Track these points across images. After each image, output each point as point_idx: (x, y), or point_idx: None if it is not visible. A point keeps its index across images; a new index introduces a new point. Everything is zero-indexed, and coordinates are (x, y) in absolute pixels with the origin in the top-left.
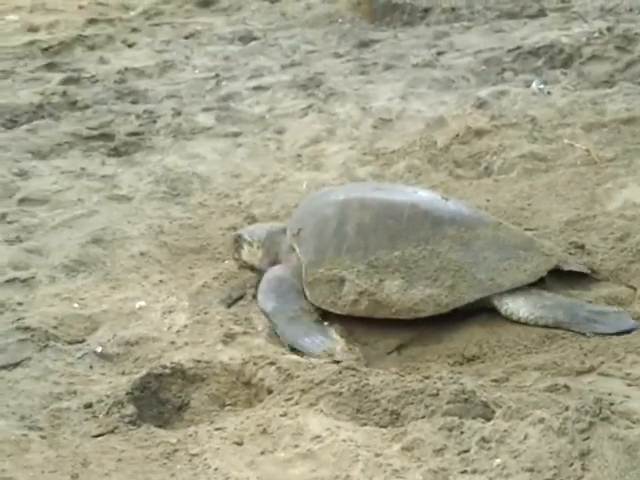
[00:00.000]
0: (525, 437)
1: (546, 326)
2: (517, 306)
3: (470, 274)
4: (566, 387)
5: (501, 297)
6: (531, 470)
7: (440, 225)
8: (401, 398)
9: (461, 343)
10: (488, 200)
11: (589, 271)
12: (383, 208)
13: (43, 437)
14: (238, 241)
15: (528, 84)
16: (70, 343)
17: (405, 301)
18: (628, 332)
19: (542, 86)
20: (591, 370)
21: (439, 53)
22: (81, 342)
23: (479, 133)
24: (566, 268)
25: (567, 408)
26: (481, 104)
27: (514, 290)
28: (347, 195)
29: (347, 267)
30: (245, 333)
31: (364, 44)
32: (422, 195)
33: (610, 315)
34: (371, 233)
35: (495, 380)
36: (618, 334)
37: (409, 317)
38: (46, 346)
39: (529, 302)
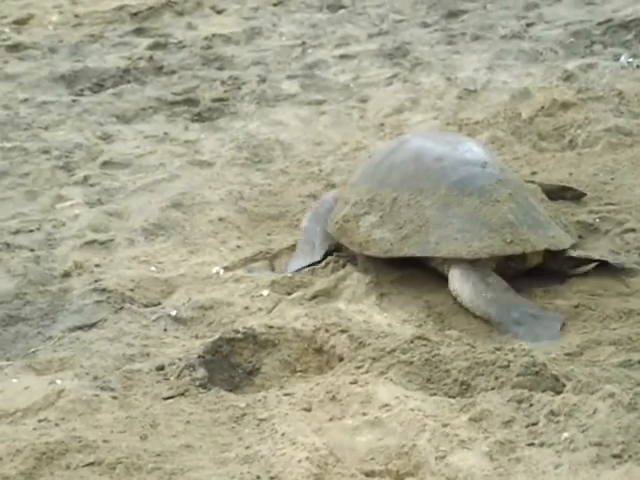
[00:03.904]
0: (594, 411)
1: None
2: (462, 290)
3: (425, 232)
4: None
5: (454, 273)
6: (599, 445)
7: (440, 183)
8: (471, 369)
9: None
10: (570, 174)
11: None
12: (417, 154)
13: (114, 398)
14: None
15: (617, 57)
16: (146, 306)
17: (362, 236)
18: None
19: (631, 59)
20: None
21: (528, 24)
22: (156, 305)
23: (565, 106)
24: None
25: (638, 384)
26: (568, 77)
27: (468, 271)
28: (411, 137)
29: (359, 194)
30: (319, 300)
31: (452, 14)
32: (461, 154)
33: (541, 321)
34: (394, 172)
35: (568, 354)
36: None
37: (357, 251)
38: (122, 308)
39: (474, 290)
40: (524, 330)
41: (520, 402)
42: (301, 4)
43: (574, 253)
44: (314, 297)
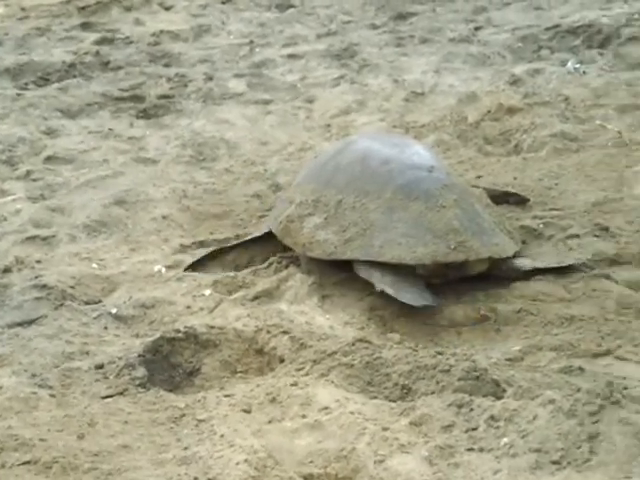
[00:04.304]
0: (534, 417)
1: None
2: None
3: (370, 236)
4: (580, 369)
5: None
6: (538, 451)
7: (386, 186)
8: (413, 373)
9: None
10: (515, 178)
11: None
12: (363, 156)
13: (52, 396)
14: None
15: (564, 63)
16: (86, 303)
17: (305, 237)
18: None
19: (578, 65)
20: (607, 353)
21: (476, 28)
22: (97, 303)
23: (511, 110)
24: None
25: (578, 390)
26: (515, 81)
27: None
28: (358, 138)
29: (304, 194)
30: (261, 301)
31: (401, 16)
32: (408, 157)
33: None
34: (340, 173)
35: (509, 359)
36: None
37: (300, 252)
38: (62, 305)
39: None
40: (395, 290)
41: (460, 407)
42: (250, 3)
43: (527, 266)
44: (256, 297)
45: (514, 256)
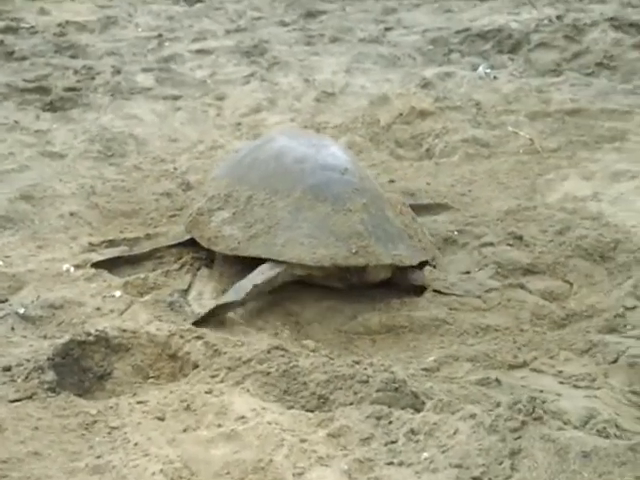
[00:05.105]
0: (455, 432)
1: None
2: None
3: (273, 234)
4: (497, 381)
5: None
6: (459, 466)
7: (296, 186)
8: (330, 382)
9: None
10: (428, 183)
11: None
12: (279, 153)
13: None
14: None
15: (474, 67)
16: None
17: (212, 231)
18: None
19: (489, 70)
20: (523, 365)
21: (386, 29)
22: (3, 302)
23: (422, 114)
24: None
25: (499, 404)
26: (426, 84)
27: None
28: (277, 135)
29: (218, 188)
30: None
31: (311, 14)
32: (323, 158)
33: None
34: (254, 170)
35: (426, 369)
36: None
37: (205, 246)
38: None
39: None
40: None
41: (379, 419)
42: None
43: (418, 282)
44: None
45: (420, 266)
